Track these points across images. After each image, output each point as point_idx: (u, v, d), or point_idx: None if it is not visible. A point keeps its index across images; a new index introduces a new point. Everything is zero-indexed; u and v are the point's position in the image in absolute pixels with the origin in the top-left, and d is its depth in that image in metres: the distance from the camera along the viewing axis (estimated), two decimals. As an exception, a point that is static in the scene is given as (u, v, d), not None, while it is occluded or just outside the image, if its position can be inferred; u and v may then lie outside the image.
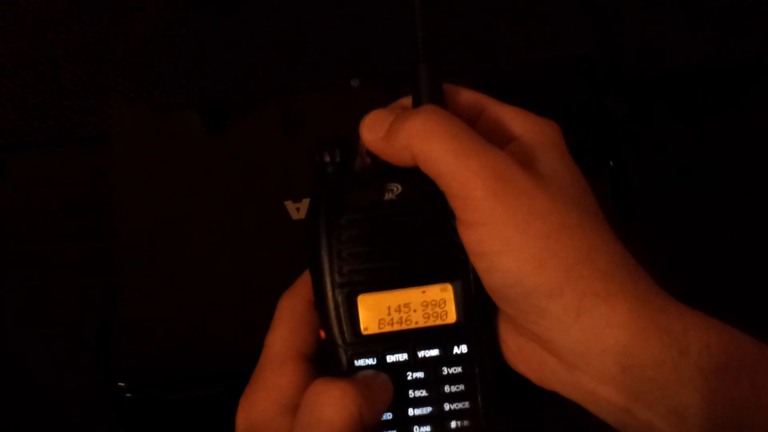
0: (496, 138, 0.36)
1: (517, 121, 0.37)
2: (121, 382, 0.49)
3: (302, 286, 0.38)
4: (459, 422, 0.36)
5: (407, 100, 0.38)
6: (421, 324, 0.36)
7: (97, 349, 0.53)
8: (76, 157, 0.59)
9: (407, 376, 0.36)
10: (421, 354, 0.36)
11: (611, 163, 0.61)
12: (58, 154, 0.59)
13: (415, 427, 0.36)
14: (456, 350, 0.36)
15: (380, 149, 0.36)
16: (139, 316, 0.52)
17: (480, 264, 0.34)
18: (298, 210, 0.54)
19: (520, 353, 0.36)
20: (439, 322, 0.36)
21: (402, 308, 0.36)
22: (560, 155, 0.36)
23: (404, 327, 0.36)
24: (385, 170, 0.36)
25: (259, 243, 0.54)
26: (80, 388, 0.53)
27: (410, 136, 0.34)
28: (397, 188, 0.36)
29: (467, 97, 0.38)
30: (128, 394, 0.49)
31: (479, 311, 0.36)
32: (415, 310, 0.36)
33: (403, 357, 0.36)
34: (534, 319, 0.34)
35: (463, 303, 0.36)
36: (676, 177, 0.63)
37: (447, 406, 0.36)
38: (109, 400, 0.51)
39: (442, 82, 0.37)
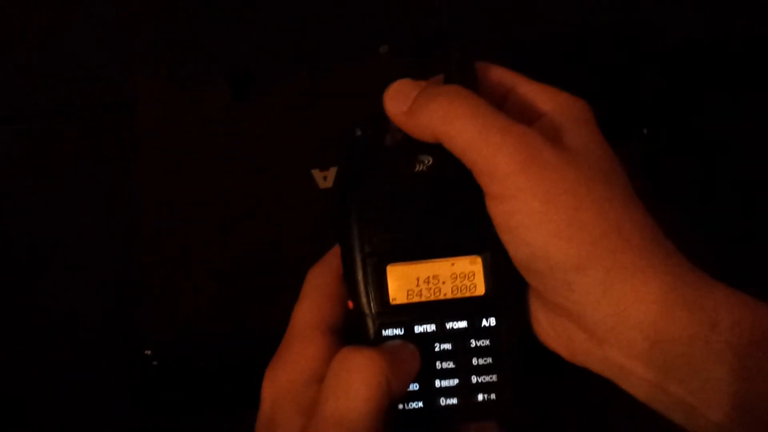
0: (525, 115, 0.36)
1: (545, 98, 0.36)
2: (147, 350, 0.50)
3: (331, 260, 0.38)
4: (486, 395, 0.36)
5: (440, 78, 0.38)
6: (450, 296, 0.36)
7: (122, 317, 0.53)
8: (100, 125, 0.59)
9: (435, 347, 0.36)
10: (449, 326, 0.36)
11: (644, 131, 0.60)
12: (83, 123, 0.59)
13: (442, 399, 0.36)
14: (484, 323, 0.36)
15: (403, 123, 0.36)
16: (165, 284, 0.52)
17: (507, 237, 0.34)
18: (325, 179, 0.54)
19: (550, 328, 0.36)
20: (467, 294, 0.36)
21: (431, 279, 0.36)
22: (589, 130, 0.35)
23: (432, 298, 0.36)
24: (416, 143, 0.36)
25: (285, 211, 0.54)
26: (104, 356, 0.53)
27: (432, 117, 0.34)
28: (428, 160, 0.36)
29: (497, 74, 0.38)
30: (154, 362, 0.50)
31: (508, 284, 0.36)
32: (444, 282, 0.36)
33: (430, 328, 0.36)
34: (562, 293, 0.34)
35: (492, 276, 0.36)
36: (711, 147, 0.62)
37: (474, 379, 0.36)
38: (133, 369, 0.51)
39: (473, 61, 0.37)
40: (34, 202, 0.56)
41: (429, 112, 0.34)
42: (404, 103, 0.35)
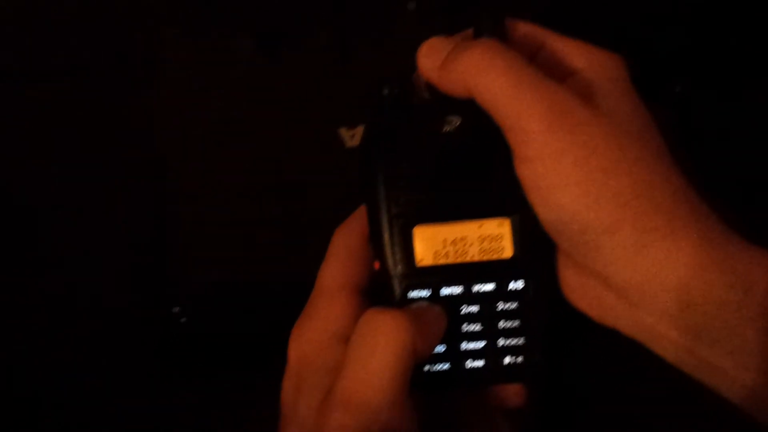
0: (556, 72, 0.35)
1: (578, 54, 0.35)
2: (176, 308, 0.50)
3: (357, 221, 0.37)
4: (513, 358, 0.36)
5: (469, 32, 0.37)
6: (477, 258, 0.35)
7: (151, 275, 0.53)
8: (123, 83, 0.58)
9: (461, 309, 0.35)
10: (475, 288, 0.35)
11: (678, 89, 0.58)
12: (105, 81, 0.58)
13: (468, 361, 0.35)
14: (512, 285, 0.35)
15: (436, 78, 0.35)
16: (194, 243, 0.52)
17: (536, 199, 0.34)
18: (352, 137, 0.54)
19: (580, 290, 0.36)
20: (495, 256, 0.35)
21: (458, 241, 0.35)
22: (622, 89, 0.35)
23: (460, 260, 0.35)
24: (444, 103, 0.35)
25: (312, 170, 0.53)
26: (134, 313, 0.54)
27: (466, 69, 0.33)
28: (456, 120, 0.35)
29: (527, 30, 0.37)
30: (182, 320, 0.50)
31: (536, 247, 0.35)
32: (471, 244, 0.35)
33: (457, 290, 0.35)
34: (591, 255, 0.33)
35: (520, 238, 0.35)
36: (745, 105, 0.60)
37: (501, 342, 0.35)
38: (161, 326, 0.51)
39: (504, 16, 0.36)
40: (60, 160, 0.56)
41: (461, 66, 0.34)
42: (437, 59, 0.35)
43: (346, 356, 0.33)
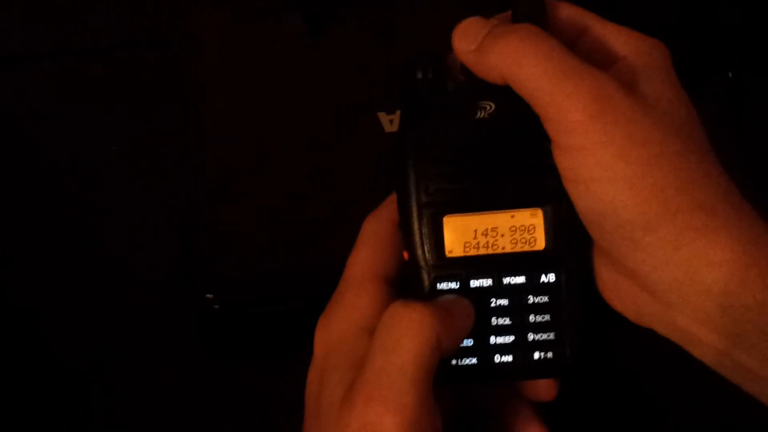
0: (598, 59, 0.33)
1: (621, 40, 0.34)
2: (209, 294, 0.50)
3: (388, 208, 0.36)
4: (542, 354, 0.34)
5: (507, 15, 0.36)
6: (508, 249, 0.34)
7: (185, 260, 0.53)
8: (164, 62, 0.58)
9: (491, 302, 0.34)
10: (506, 280, 0.34)
11: (729, 74, 0.56)
12: (147, 59, 0.58)
13: (497, 356, 0.35)
14: (543, 279, 0.34)
15: (471, 62, 0.34)
16: (228, 228, 0.51)
17: (574, 191, 0.32)
18: (391, 122, 0.53)
19: (615, 289, 0.34)
20: (527, 248, 0.34)
21: (489, 232, 0.34)
22: (666, 78, 0.33)
23: (490, 251, 0.34)
24: (478, 87, 0.34)
25: (349, 155, 0.53)
26: (166, 299, 0.54)
27: (503, 55, 0.32)
28: (489, 106, 0.34)
29: (569, 13, 0.35)
30: (215, 306, 0.50)
31: (570, 239, 0.34)
32: (502, 235, 0.34)
33: (487, 282, 0.34)
34: (628, 252, 0.32)
35: (553, 230, 0.34)
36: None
37: (531, 336, 0.34)
38: (194, 312, 0.51)
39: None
40: (96, 139, 0.56)
41: (498, 51, 0.33)
42: (473, 42, 0.34)
43: (369, 350, 0.32)
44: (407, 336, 0.31)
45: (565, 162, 0.32)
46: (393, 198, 0.36)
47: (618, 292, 0.34)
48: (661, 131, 0.31)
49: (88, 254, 0.55)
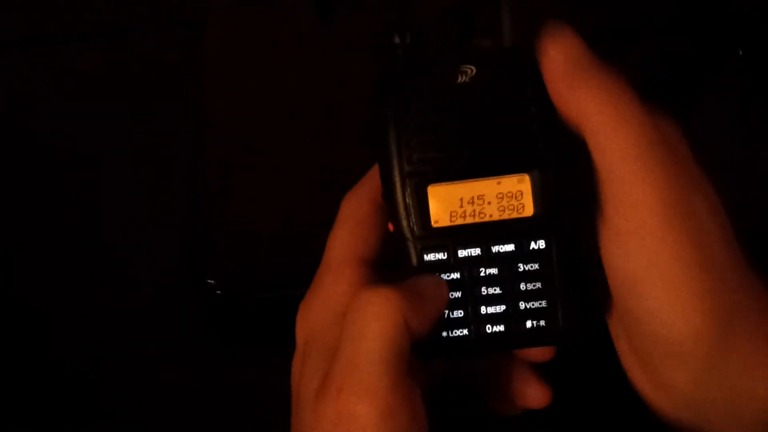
0: None
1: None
2: (211, 280, 0.49)
3: (366, 184, 0.35)
4: (534, 322, 0.33)
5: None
6: (496, 217, 0.33)
7: (188, 246, 0.53)
8: (167, 45, 0.57)
9: (480, 272, 0.33)
10: (495, 249, 0.33)
11: (740, 52, 0.55)
12: (149, 42, 0.58)
13: (488, 326, 0.34)
14: (533, 245, 0.33)
15: (555, 80, 0.32)
16: (231, 214, 0.51)
17: (617, 284, 0.31)
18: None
19: (631, 370, 0.33)
20: (515, 215, 0.33)
21: (475, 200, 0.33)
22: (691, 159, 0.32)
23: (477, 220, 0.33)
24: (458, 50, 0.33)
25: (356, 144, 0.52)
26: (170, 285, 0.53)
27: (595, 105, 0.31)
28: (471, 70, 0.33)
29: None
30: (217, 292, 0.49)
31: (560, 205, 0.33)
32: (489, 203, 0.33)
33: (475, 252, 0.33)
34: (659, 365, 0.31)
35: (541, 195, 0.33)
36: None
37: (522, 305, 0.33)
38: (198, 297, 0.51)
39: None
40: (95, 129, 0.56)
41: (596, 94, 0.31)
42: (572, 61, 0.31)
43: (339, 339, 0.31)
44: (373, 321, 0.30)
45: (615, 245, 0.31)
46: (372, 174, 0.36)
47: (633, 375, 0.33)
48: (721, 235, 0.30)
49: (88, 248, 0.55)
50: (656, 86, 0.55)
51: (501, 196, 0.33)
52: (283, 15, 0.55)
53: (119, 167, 0.55)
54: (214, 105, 0.54)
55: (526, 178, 0.33)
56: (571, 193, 0.33)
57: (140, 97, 0.56)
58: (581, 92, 0.31)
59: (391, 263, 0.35)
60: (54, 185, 0.56)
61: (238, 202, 0.51)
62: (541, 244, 0.33)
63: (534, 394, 0.36)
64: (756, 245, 0.52)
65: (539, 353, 0.35)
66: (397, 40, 0.34)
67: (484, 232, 0.33)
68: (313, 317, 0.34)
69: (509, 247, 0.33)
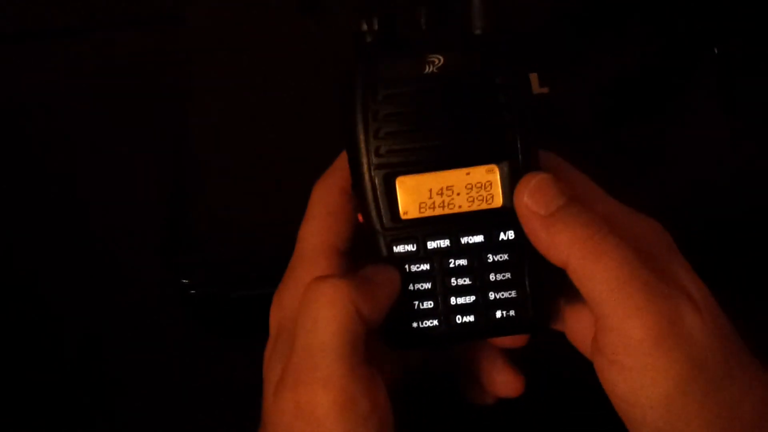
0: None
1: (626, 223, 0.33)
2: (185, 279, 0.49)
3: (336, 173, 0.35)
4: (504, 312, 0.33)
5: (576, 174, 0.35)
6: (465, 208, 0.33)
7: (164, 245, 0.53)
8: (148, 39, 0.57)
9: (449, 263, 0.33)
10: (464, 240, 0.33)
11: (715, 50, 0.55)
12: (129, 36, 0.57)
13: (458, 317, 0.33)
14: (502, 236, 0.33)
15: (534, 225, 0.32)
16: (207, 214, 0.51)
17: (622, 411, 0.31)
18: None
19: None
20: (484, 206, 0.33)
21: (444, 191, 0.33)
22: (685, 264, 0.32)
23: (447, 211, 0.33)
24: (425, 39, 0.33)
25: (336, 139, 0.52)
26: (152, 283, 0.53)
27: (574, 245, 0.31)
28: (438, 60, 0.33)
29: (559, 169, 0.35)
30: (192, 291, 0.49)
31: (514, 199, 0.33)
32: (458, 193, 0.33)
33: (445, 243, 0.33)
34: None
35: (510, 185, 0.33)
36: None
37: (492, 295, 0.33)
38: (177, 296, 0.50)
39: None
40: (75, 123, 0.56)
41: (570, 236, 0.31)
42: (544, 207, 0.32)
43: (294, 331, 0.31)
44: (324, 310, 0.30)
45: (618, 380, 0.31)
46: (341, 161, 0.35)
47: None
48: (723, 358, 0.30)
49: (66, 244, 0.54)
50: (633, 84, 0.56)
51: (470, 186, 0.33)
52: (264, 7, 0.55)
53: (98, 162, 0.55)
54: (195, 100, 0.53)
55: (495, 168, 0.33)
56: None
57: (121, 92, 0.56)
58: (559, 236, 0.31)
59: (365, 252, 0.35)
60: (32, 180, 0.56)
61: (214, 200, 0.51)
62: (510, 234, 0.33)
63: (507, 383, 0.36)
64: (735, 234, 0.52)
65: (512, 340, 0.35)
66: (364, 27, 0.34)
67: (453, 223, 0.33)
68: (286, 307, 0.33)
69: (478, 238, 0.33)
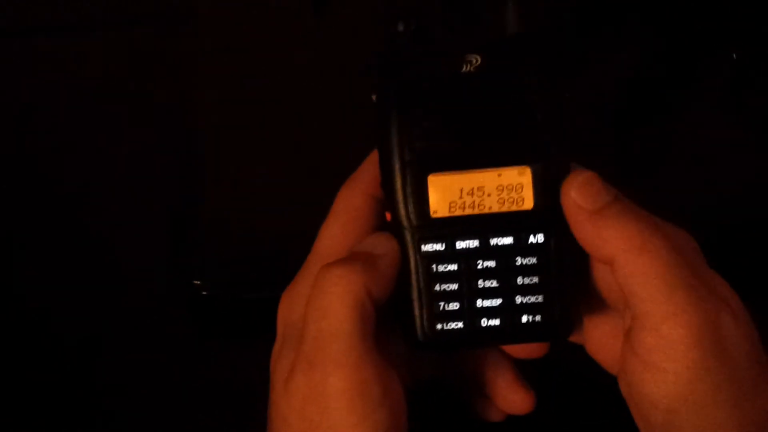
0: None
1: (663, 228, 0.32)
2: (197, 280, 0.49)
3: (362, 176, 0.35)
4: (530, 317, 0.33)
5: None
6: (495, 209, 0.33)
7: (175, 246, 0.52)
8: (160, 37, 0.56)
9: (477, 264, 0.33)
10: (493, 241, 0.33)
11: (734, 55, 0.55)
12: (137, 35, 0.56)
13: (483, 320, 0.33)
14: (531, 239, 0.33)
15: (580, 220, 0.32)
16: (220, 215, 0.50)
17: (641, 403, 0.31)
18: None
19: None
20: (514, 208, 0.33)
21: (475, 191, 0.33)
22: (716, 273, 0.32)
23: (477, 211, 0.33)
24: (463, 40, 0.33)
25: (346, 141, 0.51)
26: (157, 284, 0.53)
27: (622, 239, 0.30)
28: (476, 60, 0.33)
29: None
30: (203, 293, 0.49)
31: (560, 199, 0.33)
32: (489, 194, 0.33)
33: (473, 244, 0.33)
34: None
35: (542, 188, 0.33)
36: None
37: (518, 299, 0.33)
38: (184, 297, 0.50)
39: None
40: (82, 123, 0.55)
41: (620, 231, 0.31)
42: (592, 202, 0.31)
43: (304, 320, 0.31)
44: (335, 297, 0.30)
45: (647, 381, 0.30)
46: (367, 165, 0.35)
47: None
48: (754, 369, 0.30)
49: (75, 245, 0.54)
50: (638, 86, 0.55)
51: (501, 188, 0.33)
52: (278, 7, 0.54)
53: (104, 162, 0.54)
54: (205, 101, 0.53)
55: (528, 170, 0.33)
56: None
57: (131, 92, 0.55)
58: (607, 231, 0.31)
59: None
60: (37, 181, 0.55)
61: (227, 202, 0.51)
62: (540, 238, 0.33)
63: (517, 400, 0.36)
64: (743, 235, 0.52)
65: (532, 349, 0.35)
66: (401, 27, 0.33)
67: (482, 224, 0.33)
68: (296, 307, 0.33)
69: (508, 240, 0.33)
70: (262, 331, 0.52)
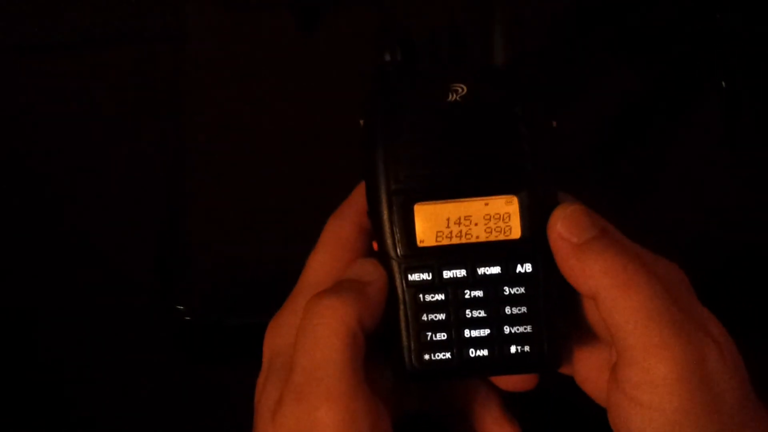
0: None
1: (652, 261, 0.32)
2: (180, 306, 0.48)
3: (350, 207, 0.35)
4: (519, 347, 0.33)
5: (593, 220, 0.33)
6: (483, 239, 0.33)
7: (160, 271, 0.52)
8: (149, 57, 0.56)
9: (465, 294, 0.33)
10: (480, 271, 0.33)
11: (723, 84, 0.55)
12: (131, 54, 0.56)
13: (471, 350, 0.33)
14: (519, 269, 0.33)
15: (565, 253, 0.31)
16: (205, 240, 0.50)
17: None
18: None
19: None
20: (502, 237, 0.33)
21: (462, 220, 0.33)
22: (704, 308, 0.32)
23: (464, 241, 0.33)
24: (449, 68, 0.33)
25: (334, 161, 0.51)
26: (139, 309, 0.53)
27: (605, 275, 0.30)
28: (462, 89, 0.33)
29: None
30: (186, 318, 0.48)
31: (547, 228, 0.33)
32: (476, 224, 0.33)
33: (461, 273, 0.33)
34: None
35: (529, 218, 0.32)
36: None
37: (507, 329, 0.33)
38: (167, 323, 0.50)
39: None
40: (73, 140, 0.55)
41: (603, 265, 0.30)
42: (577, 235, 0.31)
43: (294, 350, 0.30)
44: (324, 328, 0.30)
45: (633, 417, 0.30)
46: (356, 195, 0.35)
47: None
48: (740, 405, 0.30)
49: (59, 276, 0.53)
50: (637, 112, 0.56)
51: (488, 217, 0.33)
52: (265, 27, 0.54)
53: (96, 180, 0.54)
54: (192, 122, 0.53)
55: (515, 199, 0.33)
56: None
57: (121, 109, 0.55)
58: (592, 265, 0.31)
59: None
60: (30, 193, 0.55)
61: (212, 229, 0.51)
62: (528, 267, 0.33)
63: None
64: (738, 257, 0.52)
65: (522, 382, 0.35)
66: (387, 57, 0.33)
67: (470, 254, 0.33)
68: (283, 334, 0.33)
69: (495, 270, 0.33)
70: (246, 357, 0.52)
